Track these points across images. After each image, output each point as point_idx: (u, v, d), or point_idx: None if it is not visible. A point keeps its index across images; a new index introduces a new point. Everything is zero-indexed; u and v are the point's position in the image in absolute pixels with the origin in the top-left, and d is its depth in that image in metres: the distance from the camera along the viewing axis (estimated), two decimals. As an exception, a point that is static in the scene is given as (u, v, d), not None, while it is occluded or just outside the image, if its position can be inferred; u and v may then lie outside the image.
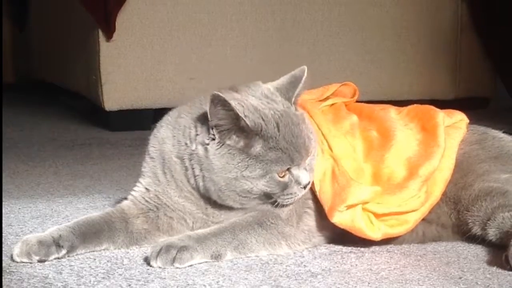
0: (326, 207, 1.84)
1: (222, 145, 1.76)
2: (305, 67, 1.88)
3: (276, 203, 1.82)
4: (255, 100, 1.80)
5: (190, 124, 1.82)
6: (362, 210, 1.84)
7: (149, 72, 3.88)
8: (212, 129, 1.75)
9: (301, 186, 1.81)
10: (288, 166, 1.78)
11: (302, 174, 1.80)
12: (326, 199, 1.85)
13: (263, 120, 1.76)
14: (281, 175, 1.78)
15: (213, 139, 1.76)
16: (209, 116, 1.74)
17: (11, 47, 6.26)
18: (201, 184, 1.81)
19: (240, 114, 1.72)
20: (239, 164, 1.76)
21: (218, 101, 1.71)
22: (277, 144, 1.77)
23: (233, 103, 1.72)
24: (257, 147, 1.76)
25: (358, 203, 1.83)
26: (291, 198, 1.81)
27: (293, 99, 1.85)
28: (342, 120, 1.99)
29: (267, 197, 1.81)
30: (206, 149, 1.77)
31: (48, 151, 3.31)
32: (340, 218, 1.83)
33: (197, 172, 1.80)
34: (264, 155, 1.76)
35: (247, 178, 1.76)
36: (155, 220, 1.88)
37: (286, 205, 1.83)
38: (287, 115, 1.80)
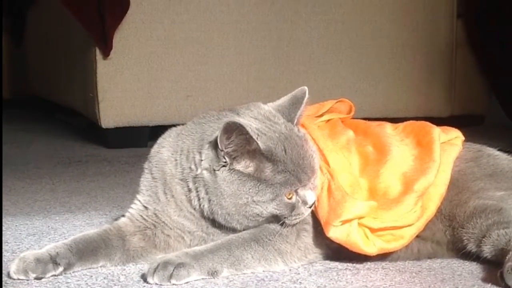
0: (322, 222, 1.85)
1: (233, 171, 1.76)
2: (306, 88, 1.88)
3: (283, 224, 1.82)
4: (258, 123, 1.81)
5: (193, 149, 1.82)
6: (358, 225, 1.85)
7: (146, 90, 3.89)
8: (224, 156, 1.75)
9: (308, 206, 1.82)
10: (296, 188, 1.79)
11: (308, 194, 1.81)
12: (322, 214, 1.85)
13: (271, 143, 1.77)
14: (289, 197, 1.79)
15: (224, 166, 1.76)
16: (219, 143, 1.73)
17: (8, 63, 6.27)
18: (206, 206, 1.81)
19: (254, 138, 1.73)
20: (250, 190, 1.76)
21: (234, 128, 1.71)
22: (286, 167, 1.77)
23: (247, 128, 1.72)
24: (267, 171, 1.77)
25: (354, 218, 1.84)
26: (299, 218, 1.82)
27: (295, 120, 1.86)
28: (339, 135, 2.00)
29: (275, 218, 1.82)
30: (214, 174, 1.77)
31: (45, 168, 3.31)
32: (336, 233, 1.83)
33: (202, 195, 1.80)
34: (273, 178, 1.77)
35: (257, 202, 1.77)
36: (152, 238, 1.88)
37: (293, 225, 1.84)
38: (291, 137, 1.81)
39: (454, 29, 4.34)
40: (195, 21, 3.95)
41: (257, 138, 1.74)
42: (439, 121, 2.16)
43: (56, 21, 4.66)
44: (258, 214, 1.79)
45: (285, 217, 1.81)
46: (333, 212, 1.84)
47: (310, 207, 1.83)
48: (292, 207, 1.80)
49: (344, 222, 1.83)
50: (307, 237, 1.88)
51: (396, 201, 1.89)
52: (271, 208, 1.78)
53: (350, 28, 4.18)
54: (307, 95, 1.88)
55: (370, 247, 1.85)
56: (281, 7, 4.07)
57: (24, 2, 5.39)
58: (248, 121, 1.80)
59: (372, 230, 1.86)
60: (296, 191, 1.80)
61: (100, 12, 3.72)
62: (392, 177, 1.93)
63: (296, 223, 1.84)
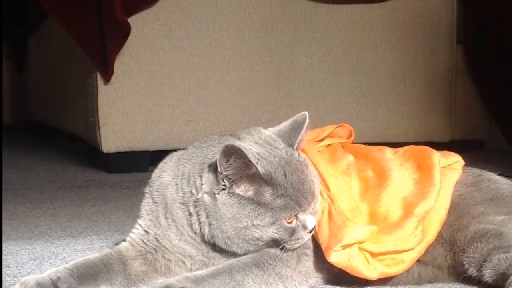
0: (323, 247, 1.85)
1: (232, 194, 1.77)
2: (306, 113, 1.89)
3: (283, 248, 1.83)
4: (258, 147, 1.81)
5: (194, 173, 1.83)
6: (359, 250, 1.85)
7: (147, 115, 3.90)
8: (223, 179, 1.76)
9: (307, 231, 1.82)
10: (296, 212, 1.80)
11: (308, 219, 1.81)
12: (323, 239, 1.85)
13: (271, 167, 1.78)
14: (289, 221, 1.79)
15: (223, 189, 1.77)
16: (219, 166, 1.74)
17: (9, 88, 6.29)
18: (207, 230, 1.81)
19: (253, 162, 1.73)
20: (250, 213, 1.77)
21: (232, 151, 1.72)
22: (285, 191, 1.78)
23: (245, 152, 1.73)
24: (266, 195, 1.77)
25: (355, 243, 1.84)
26: (298, 242, 1.82)
27: (295, 145, 1.86)
28: (339, 160, 2.00)
29: (275, 243, 1.82)
30: (214, 198, 1.78)
31: (46, 193, 3.32)
32: (337, 258, 1.83)
33: (202, 219, 1.81)
34: (273, 202, 1.77)
35: (257, 226, 1.77)
36: (153, 262, 1.88)
37: (293, 250, 1.84)
38: (292, 162, 1.81)
39: (453, 55, 4.36)
40: (196, 46, 3.97)
41: (256, 163, 1.74)
42: (439, 146, 2.17)
43: (57, 47, 4.68)
44: (258, 238, 1.79)
45: (285, 242, 1.81)
46: (333, 237, 1.84)
47: (310, 232, 1.82)
48: (292, 232, 1.80)
49: (345, 246, 1.83)
50: (308, 262, 1.88)
51: (397, 225, 1.89)
52: (270, 232, 1.79)
53: (350, 54, 4.20)
54: (307, 120, 1.88)
55: (371, 271, 1.85)
56: (281, 33, 4.09)
57: (26, 28, 5.42)
58: (249, 145, 1.81)
59: (373, 255, 1.86)
60: (296, 216, 1.80)
61: (101, 37, 3.74)
62: (393, 202, 1.93)
63: (296, 248, 1.84)
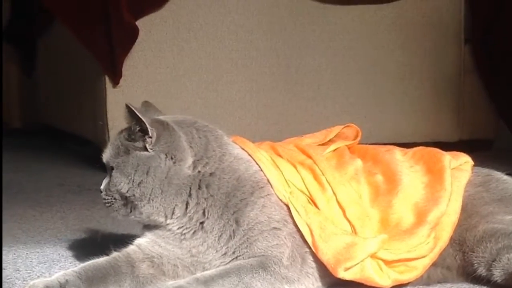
0: (329, 267, 1.84)
1: None
2: None
3: None
4: None
5: None
6: (371, 257, 1.84)
7: (155, 117, 3.90)
8: None
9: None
10: None
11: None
12: (327, 259, 1.84)
13: None
14: None
15: None
16: None
17: (19, 92, 6.31)
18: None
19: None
20: None
21: None
22: None
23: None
24: None
25: (367, 257, 1.83)
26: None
27: None
28: (346, 165, 2.00)
29: None
30: None
31: (56, 196, 3.33)
32: (347, 274, 1.83)
33: None
34: None
35: None
36: (160, 266, 1.89)
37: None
38: None
39: (462, 55, 4.35)
40: (204, 48, 3.98)
41: None
42: (447, 146, 2.17)
43: (66, 51, 4.69)
44: None
45: None
46: (342, 256, 1.83)
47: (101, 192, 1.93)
48: None
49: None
50: (315, 261, 1.87)
51: (410, 232, 1.89)
52: None
53: (358, 54, 4.19)
54: None
55: (384, 279, 1.84)
56: (289, 34, 4.09)
57: (35, 32, 5.44)
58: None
59: (386, 262, 1.86)
60: None
61: (109, 40, 3.75)
62: (404, 208, 1.93)
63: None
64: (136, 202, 1.87)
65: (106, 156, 1.95)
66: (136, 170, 1.87)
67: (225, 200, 1.86)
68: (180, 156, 1.87)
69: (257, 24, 4.05)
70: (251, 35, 4.04)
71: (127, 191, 1.87)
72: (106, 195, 1.91)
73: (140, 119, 1.86)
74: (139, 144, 1.88)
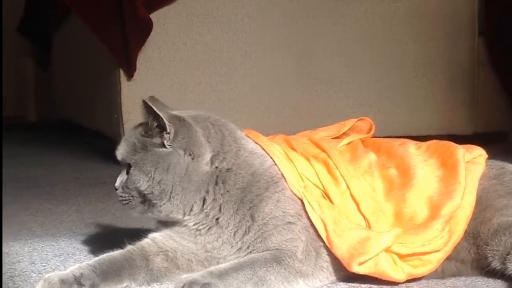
0: (343, 261, 1.84)
1: None
2: None
3: None
4: None
5: None
6: (386, 251, 1.84)
7: (169, 111, 3.91)
8: None
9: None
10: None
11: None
12: (341, 254, 1.84)
13: None
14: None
15: None
16: None
17: (34, 86, 6.34)
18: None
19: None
20: None
21: None
22: None
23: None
24: None
25: (381, 252, 1.84)
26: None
27: None
28: (360, 159, 1.99)
29: None
30: None
31: (71, 190, 3.34)
32: (361, 269, 1.83)
33: None
34: None
35: None
36: (174, 260, 1.90)
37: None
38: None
39: (475, 47, 4.33)
40: (218, 41, 3.98)
41: None
42: (461, 139, 2.17)
43: (80, 44, 4.71)
44: None
45: None
46: (356, 250, 1.83)
47: (116, 189, 1.90)
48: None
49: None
50: (329, 255, 1.87)
51: (424, 226, 1.88)
52: None
53: (371, 47, 4.19)
54: None
55: (398, 273, 1.84)
56: (302, 27, 4.09)
57: (50, 26, 5.46)
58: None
59: (400, 256, 1.86)
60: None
61: (123, 34, 3.76)
62: (418, 202, 1.92)
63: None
64: (154, 201, 1.85)
65: (121, 152, 1.93)
66: (156, 168, 1.84)
67: (241, 195, 1.86)
68: (198, 152, 1.86)
69: (271, 17, 4.05)
70: (265, 28, 4.04)
71: (146, 189, 1.85)
72: (123, 192, 1.89)
73: (158, 114, 1.83)
74: (157, 140, 1.86)
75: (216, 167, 1.87)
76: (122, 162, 1.92)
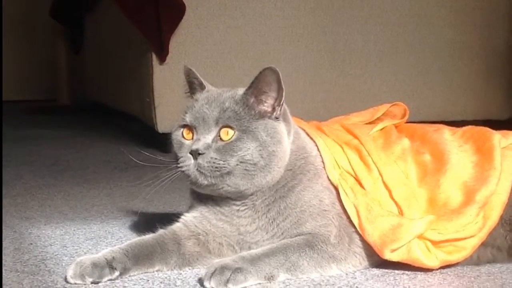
0: (375, 248, 1.83)
1: None
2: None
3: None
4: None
5: None
6: (419, 238, 1.82)
7: (201, 94, 3.90)
8: None
9: (190, 151, 1.83)
10: (180, 124, 1.90)
11: (196, 139, 1.83)
12: (373, 241, 1.83)
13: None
14: (185, 136, 1.88)
15: None
16: None
17: (67, 70, 6.38)
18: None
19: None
20: None
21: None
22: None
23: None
24: None
25: (413, 238, 1.82)
26: (181, 165, 1.85)
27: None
28: (393, 145, 1.98)
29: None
30: None
31: (102, 173, 3.35)
32: (394, 255, 1.82)
33: None
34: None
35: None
36: (206, 244, 1.89)
37: (184, 174, 1.85)
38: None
39: (512, 31, 4.29)
40: (251, 25, 3.96)
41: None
42: (497, 124, 2.14)
43: (113, 28, 4.72)
44: None
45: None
46: (387, 238, 1.81)
47: (192, 153, 1.81)
48: (179, 146, 1.88)
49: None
50: (361, 241, 1.86)
51: (458, 211, 1.86)
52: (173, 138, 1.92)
53: (406, 31, 4.15)
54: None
55: (432, 260, 1.83)
56: (336, 11, 4.06)
57: (82, 10, 5.47)
58: None
59: (434, 243, 1.84)
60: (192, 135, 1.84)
61: (156, 18, 3.75)
62: (453, 187, 1.90)
63: (183, 172, 1.84)
64: (254, 172, 1.78)
65: (214, 115, 1.84)
66: (271, 138, 1.80)
67: (286, 179, 1.85)
68: (289, 129, 1.87)
69: (304, 0, 4.02)
70: (298, 12, 4.02)
71: (253, 158, 1.78)
72: (220, 159, 1.77)
73: (282, 87, 1.84)
74: (270, 110, 1.84)
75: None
76: (215, 123, 1.82)
